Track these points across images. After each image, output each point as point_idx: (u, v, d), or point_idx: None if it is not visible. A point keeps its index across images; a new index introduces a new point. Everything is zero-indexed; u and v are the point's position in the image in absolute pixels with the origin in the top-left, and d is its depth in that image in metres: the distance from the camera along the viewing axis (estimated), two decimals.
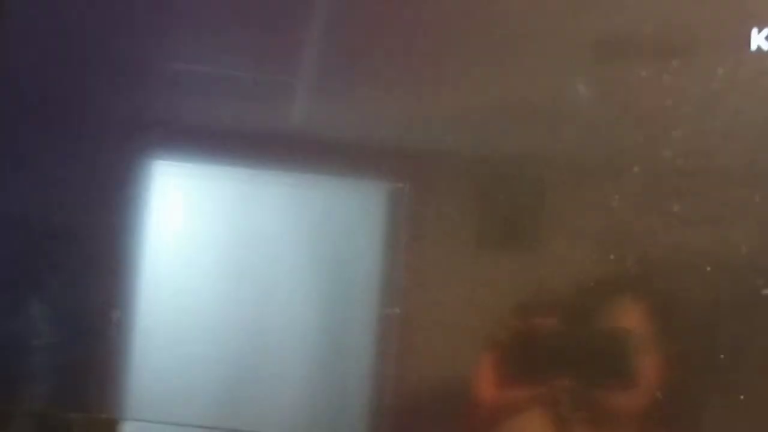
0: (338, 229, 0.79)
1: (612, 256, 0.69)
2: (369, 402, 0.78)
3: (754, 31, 0.67)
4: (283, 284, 0.79)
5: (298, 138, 0.78)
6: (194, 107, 0.80)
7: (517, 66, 0.76)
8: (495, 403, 0.64)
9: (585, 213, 0.73)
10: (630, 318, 0.62)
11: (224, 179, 0.80)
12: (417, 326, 0.78)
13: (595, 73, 0.71)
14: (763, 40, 0.67)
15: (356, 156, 0.80)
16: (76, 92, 0.82)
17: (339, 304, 0.79)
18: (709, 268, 0.67)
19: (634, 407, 0.63)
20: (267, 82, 0.77)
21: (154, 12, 0.80)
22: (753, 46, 0.67)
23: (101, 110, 0.84)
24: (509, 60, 0.76)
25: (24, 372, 0.77)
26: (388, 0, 0.77)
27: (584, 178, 0.72)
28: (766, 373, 0.65)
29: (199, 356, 0.77)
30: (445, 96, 0.75)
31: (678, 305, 0.66)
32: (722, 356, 0.64)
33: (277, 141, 0.79)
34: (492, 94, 0.74)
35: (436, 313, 0.76)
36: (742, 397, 0.64)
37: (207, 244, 0.80)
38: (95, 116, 0.82)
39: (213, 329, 0.78)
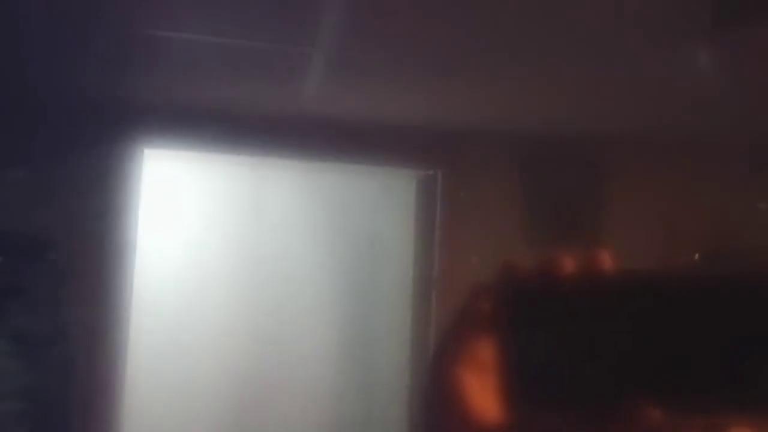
0: (362, 226, 0.70)
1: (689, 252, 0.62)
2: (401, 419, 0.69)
3: None
4: (302, 289, 0.69)
5: (315, 120, 0.68)
6: (189, 84, 0.67)
7: (563, 35, 0.67)
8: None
9: (647, 199, 0.65)
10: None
11: (229, 169, 0.69)
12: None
13: (659, 45, 0.62)
14: None
15: (381, 140, 0.70)
16: (35, 69, 0.68)
17: (366, 314, 0.70)
18: None
19: None
20: (279, 55, 0.65)
21: None
22: None
23: (73, 92, 0.70)
24: (555, 27, 0.66)
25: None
26: None
27: (647, 161, 0.64)
28: None
29: (205, 371, 0.67)
30: (481, 71, 0.66)
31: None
32: None
33: (290, 123, 0.68)
34: (536, 66, 0.65)
35: None
36: None
37: (212, 248, 0.69)
38: (65, 100, 0.69)
39: (220, 348, 0.67)
